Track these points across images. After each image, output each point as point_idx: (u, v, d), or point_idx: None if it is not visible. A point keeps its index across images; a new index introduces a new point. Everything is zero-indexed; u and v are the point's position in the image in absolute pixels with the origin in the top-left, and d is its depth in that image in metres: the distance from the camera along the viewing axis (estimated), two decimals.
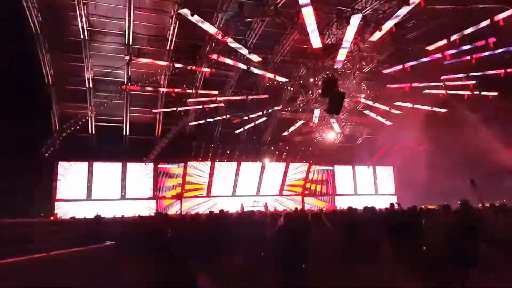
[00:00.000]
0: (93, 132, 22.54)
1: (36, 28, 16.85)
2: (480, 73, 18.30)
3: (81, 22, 17.09)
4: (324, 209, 19.45)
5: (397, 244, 7.68)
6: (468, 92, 19.58)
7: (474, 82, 19.11)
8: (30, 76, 18.80)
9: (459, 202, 7.55)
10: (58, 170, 22.67)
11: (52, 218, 19.06)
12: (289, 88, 20.98)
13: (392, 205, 12.00)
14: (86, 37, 17.93)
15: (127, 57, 17.29)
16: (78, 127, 20.90)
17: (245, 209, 21.29)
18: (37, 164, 20.55)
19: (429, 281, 6.90)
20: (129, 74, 19.28)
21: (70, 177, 22.95)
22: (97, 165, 23.67)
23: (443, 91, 20.00)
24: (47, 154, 20.85)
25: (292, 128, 24.54)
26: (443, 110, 21.67)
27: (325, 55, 17.33)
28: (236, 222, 9.48)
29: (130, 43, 18.34)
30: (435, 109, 21.62)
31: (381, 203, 17.56)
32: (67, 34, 18.12)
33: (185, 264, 6.59)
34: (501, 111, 20.29)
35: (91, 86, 20.15)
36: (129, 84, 18.99)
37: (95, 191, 23.42)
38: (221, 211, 10.48)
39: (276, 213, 14.20)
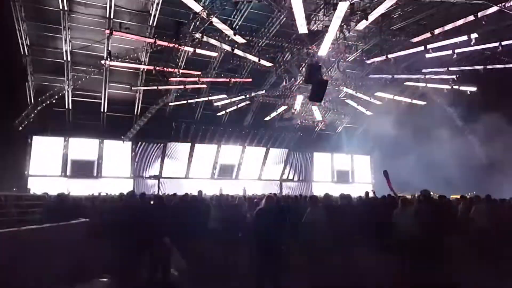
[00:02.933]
0: (70, 107, 21.85)
1: None
2: (460, 68, 18.62)
3: None
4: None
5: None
6: (447, 86, 19.98)
7: (454, 76, 19.46)
8: (5, 45, 17.95)
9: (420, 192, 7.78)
10: (32, 144, 22.09)
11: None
12: (272, 72, 20.84)
13: (367, 193, 12.25)
14: (66, 8, 17.22)
15: (107, 31, 16.68)
16: (54, 101, 20.28)
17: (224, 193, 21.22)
18: (10, 137, 19.87)
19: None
20: (109, 48, 18.65)
21: (45, 152, 22.37)
22: (73, 141, 23.14)
23: (424, 84, 20.32)
24: (21, 127, 20.22)
25: (273, 114, 24.47)
26: (423, 103, 22.08)
27: (310, 41, 17.24)
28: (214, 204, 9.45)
29: (112, 16, 17.75)
30: (414, 101, 22.00)
31: (358, 191, 17.80)
32: (46, 3, 17.36)
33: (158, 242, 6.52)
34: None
35: (69, 59, 19.45)
36: (108, 59, 18.39)
37: (70, 167, 22.98)
38: (199, 192, 10.49)
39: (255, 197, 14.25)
